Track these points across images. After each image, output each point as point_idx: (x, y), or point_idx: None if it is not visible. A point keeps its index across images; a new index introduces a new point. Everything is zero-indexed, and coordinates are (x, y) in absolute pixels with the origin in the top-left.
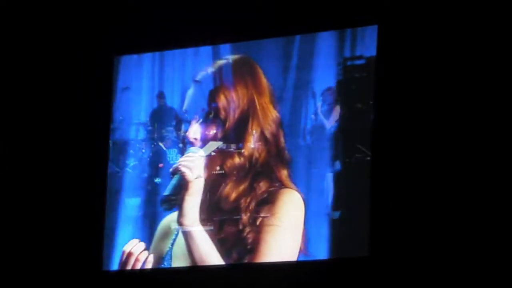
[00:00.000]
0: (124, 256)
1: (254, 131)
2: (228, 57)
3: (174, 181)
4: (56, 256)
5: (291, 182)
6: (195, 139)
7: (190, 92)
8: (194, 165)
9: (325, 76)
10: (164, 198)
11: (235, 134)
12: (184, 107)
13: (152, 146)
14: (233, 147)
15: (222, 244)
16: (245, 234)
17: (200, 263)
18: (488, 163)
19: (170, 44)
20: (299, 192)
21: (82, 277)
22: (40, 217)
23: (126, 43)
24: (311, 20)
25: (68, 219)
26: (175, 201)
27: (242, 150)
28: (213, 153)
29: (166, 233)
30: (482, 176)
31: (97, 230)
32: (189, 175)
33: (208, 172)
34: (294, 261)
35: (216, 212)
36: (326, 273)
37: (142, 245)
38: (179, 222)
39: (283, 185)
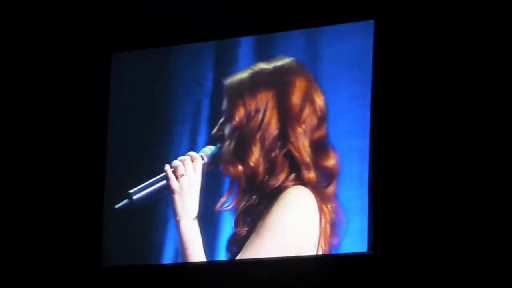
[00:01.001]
0: None
1: (266, 139)
2: (269, 60)
3: (152, 179)
4: (56, 250)
5: (316, 183)
6: (215, 138)
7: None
8: (180, 164)
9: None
10: (127, 194)
11: (244, 140)
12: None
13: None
14: (240, 152)
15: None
16: (240, 231)
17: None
18: (492, 154)
19: (175, 39)
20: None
21: (83, 272)
22: (38, 212)
23: (127, 40)
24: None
25: (67, 216)
26: (136, 201)
27: (248, 159)
28: (223, 150)
29: None
30: (488, 168)
31: (96, 226)
32: (169, 174)
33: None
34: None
35: (213, 213)
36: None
37: None
38: (174, 219)
39: (302, 184)
